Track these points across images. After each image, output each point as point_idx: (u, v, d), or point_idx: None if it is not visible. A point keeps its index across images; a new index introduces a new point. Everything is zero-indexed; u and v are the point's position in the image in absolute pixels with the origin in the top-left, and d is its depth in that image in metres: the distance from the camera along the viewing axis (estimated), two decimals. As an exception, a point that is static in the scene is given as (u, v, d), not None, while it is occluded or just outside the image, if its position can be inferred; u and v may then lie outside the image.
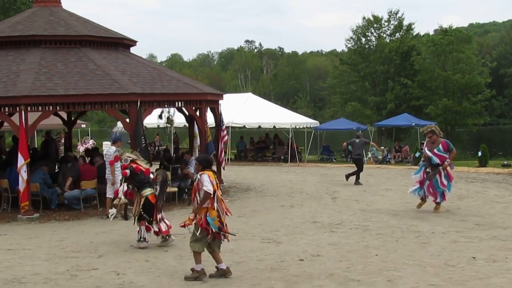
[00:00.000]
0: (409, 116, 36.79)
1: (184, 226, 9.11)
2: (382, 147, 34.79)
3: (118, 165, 13.77)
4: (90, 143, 32.78)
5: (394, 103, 48.69)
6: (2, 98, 15.22)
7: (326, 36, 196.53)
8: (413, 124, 34.90)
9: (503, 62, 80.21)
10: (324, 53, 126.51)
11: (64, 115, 22.52)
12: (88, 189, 16.28)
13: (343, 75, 53.53)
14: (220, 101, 19.96)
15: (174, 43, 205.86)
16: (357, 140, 21.84)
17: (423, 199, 15.04)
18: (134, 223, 11.45)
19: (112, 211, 11.86)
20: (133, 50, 20.42)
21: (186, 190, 17.54)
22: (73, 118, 23.43)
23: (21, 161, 14.75)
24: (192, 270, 8.97)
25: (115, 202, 12.01)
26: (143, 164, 11.64)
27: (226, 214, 9.02)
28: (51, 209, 15.98)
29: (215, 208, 8.80)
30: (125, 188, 11.52)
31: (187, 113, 19.66)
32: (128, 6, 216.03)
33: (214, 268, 9.02)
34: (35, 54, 17.03)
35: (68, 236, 12.76)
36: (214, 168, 19.79)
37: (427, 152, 14.78)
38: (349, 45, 54.34)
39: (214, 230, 8.73)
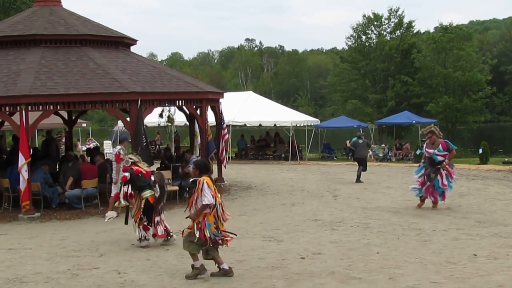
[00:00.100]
0: (409, 113, 36.80)
1: (183, 234, 9.11)
2: (383, 145, 34.80)
3: (120, 165, 13.76)
4: (93, 144, 32.89)
5: (395, 100, 48.69)
6: (2, 97, 15.22)
7: (327, 34, 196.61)
8: (414, 121, 34.91)
9: (504, 59, 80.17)
10: (324, 51, 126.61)
11: (64, 114, 22.52)
12: (89, 188, 16.28)
13: (343, 73, 53.52)
14: (221, 100, 19.97)
15: (175, 41, 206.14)
16: (360, 141, 21.86)
17: (422, 200, 15.06)
18: (131, 223, 11.42)
19: (111, 214, 11.78)
20: (133, 49, 20.45)
21: (187, 188, 17.54)
22: (73, 117, 23.43)
23: (22, 160, 14.75)
24: (192, 267, 8.99)
25: (116, 204, 12.01)
26: (144, 167, 11.62)
27: (223, 220, 8.96)
28: (52, 209, 15.98)
29: (212, 214, 8.81)
30: (128, 190, 11.45)
31: (187, 111, 19.65)
32: (128, 5, 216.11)
33: (216, 267, 9.02)
34: (35, 54, 17.03)
35: (69, 235, 12.76)
36: (215, 167, 20.06)
37: (427, 152, 14.83)
38: (349, 43, 54.44)
39: (209, 236, 8.72)
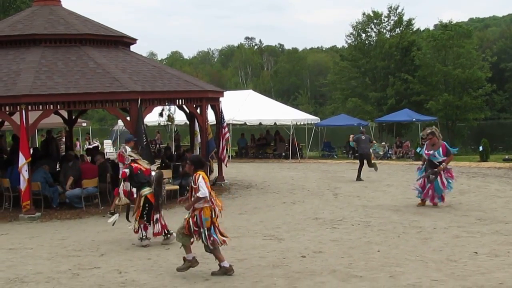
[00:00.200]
0: (410, 111, 36.80)
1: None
2: (383, 143, 34.80)
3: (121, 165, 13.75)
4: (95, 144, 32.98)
5: (395, 98, 48.65)
6: (2, 97, 15.22)
7: (326, 32, 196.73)
8: (414, 119, 34.92)
9: (504, 57, 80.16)
10: (324, 49, 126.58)
11: (64, 113, 22.52)
12: (89, 187, 16.27)
13: (343, 71, 53.48)
14: (221, 99, 19.96)
15: (174, 40, 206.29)
16: (363, 137, 21.89)
17: (424, 201, 15.06)
18: (131, 221, 11.44)
19: (113, 218, 11.74)
20: (133, 48, 20.46)
21: (188, 188, 17.51)
22: (73, 117, 23.44)
23: (22, 160, 14.75)
24: (184, 259, 9.01)
25: (116, 202, 11.99)
26: (144, 164, 11.64)
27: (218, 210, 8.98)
28: (53, 208, 15.98)
29: (209, 208, 8.82)
30: (126, 187, 11.50)
31: (187, 110, 19.65)
32: (128, 4, 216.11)
33: (217, 266, 9.01)
34: (35, 53, 17.03)
35: (70, 235, 12.77)
36: (215, 166, 20.06)
37: (426, 154, 14.88)
38: (349, 41, 54.33)
39: (204, 233, 8.74)
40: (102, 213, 15.34)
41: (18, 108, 15.09)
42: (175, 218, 13.20)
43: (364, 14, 53.03)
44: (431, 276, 8.57)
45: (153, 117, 22.21)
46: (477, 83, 46.19)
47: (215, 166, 20.31)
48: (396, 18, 52.10)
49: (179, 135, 34.13)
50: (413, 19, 52.34)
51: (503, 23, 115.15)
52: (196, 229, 8.81)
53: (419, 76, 47.18)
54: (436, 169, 14.66)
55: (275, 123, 33.22)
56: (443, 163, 14.71)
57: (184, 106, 19.14)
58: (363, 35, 53.23)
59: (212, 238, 8.81)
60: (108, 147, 34.68)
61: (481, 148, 28.10)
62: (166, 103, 18.61)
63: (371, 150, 30.46)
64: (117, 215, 11.71)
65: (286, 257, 9.97)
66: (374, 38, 52.70)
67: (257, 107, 32.28)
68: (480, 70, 46.31)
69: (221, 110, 19.74)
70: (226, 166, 20.53)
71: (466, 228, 12.11)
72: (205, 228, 8.78)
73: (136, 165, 11.43)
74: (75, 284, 8.79)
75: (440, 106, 44.49)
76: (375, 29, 53.04)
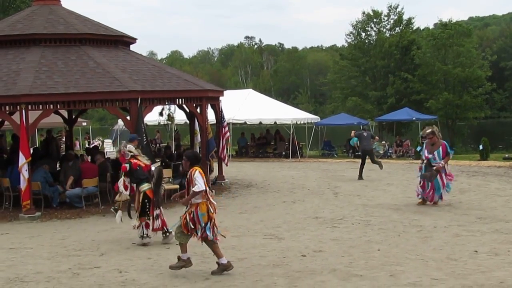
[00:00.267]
0: (410, 110, 36.80)
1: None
2: (383, 142, 34.80)
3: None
4: (96, 142, 32.98)
5: (395, 97, 48.66)
6: (2, 97, 15.21)
7: (326, 31, 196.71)
8: (414, 118, 34.91)
9: (503, 55, 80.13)
10: (324, 48, 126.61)
11: (64, 113, 22.51)
12: (89, 187, 16.28)
13: (343, 70, 53.48)
14: (221, 98, 19.95)
15: (174, 40, 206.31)
16: (364, 133, 21.93)
17: (424, 200, 15.07)
18: (133, 218, 11.45)
19: (119, 215, 11.71)
20: (133, 47, 20.45)
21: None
22: (73, 116, 23.43)
23: (22, 160, 14.75)
24: (178, 258, 9.01)
25: (116, 198, 11.98)
26: (143, 160, 11.64)
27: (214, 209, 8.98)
28: (53, 208, 15.98)
29: (205, 203, 8.83)
30: (127, 182, 11.45)
31: (187, 110, 19.65)
32: (127, 4, 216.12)
33: (215, 263, 9.02)
34: (35, 53, 17.02)
35: (70, 235, 12.76)
36: (215, 165, 20.05)
37: (427, 154, 14.90)
38: (349, 40, 54.35)
39: (200, 229, 8.73)
40: (102, 212, 15.36)
41: (18, 108, 15.08)
42: (175, 217, 13.16)
43: (364, 13, 53.16)
44: (431, 275, 8.57)
45: (153, 117, 22.22)
46: (477, 82, 46.18)
47: (215, 166, 20.32)
48: (396, 17, 52.15)
49: (179, 134, 34.13)
50: (413, 18, 52.53)
51: (503, 22, 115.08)
52: (193, 226, 8.79)
53: (419, 75, 47.17)
54: (434, 168, 14.68)
55: (275, 122, 33.20)
56: (441, 162, 14.74)
57: (184, 106, 19.14)
58: (363, 34, 53.26)
59: (204, 234, 8.79)
60: (108, 147, 34.68)
61: (481, 147, 28.11)
62: (166, 103, 18.60)
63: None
64: (119, 212, 11.69)
65: (286, 256, 9.97)
66: (374, 37, 52.72)
67: (257, 106, 32.28)
68: (480, 69, 46.29)
69: (221, 109, 19.74)
70: (227, 165, 20.54)
71: (466, 227, 12.12)
72: (202, 224, 8.76)
73: (135, 161, 11.42)
74: (75, 284, 8.79)
75: (440, 105, 44.48)
76: (375, 28, 53.10)
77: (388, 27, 52.66)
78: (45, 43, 17.52)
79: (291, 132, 31.28)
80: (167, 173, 16.96)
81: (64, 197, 16.36)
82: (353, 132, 22.93)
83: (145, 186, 11.28)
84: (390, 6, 52.21)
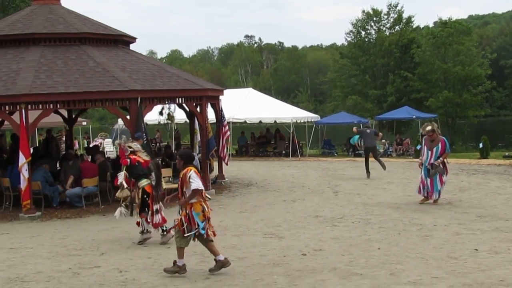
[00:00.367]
0: (409, 109, 36.78)
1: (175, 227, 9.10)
2: (383, 140, 34.79)
3: None
4: (99, 140, 32.94)
5: (395, 96, 48.66)
6: (2, 96, 15.20)
7: (326, 30, 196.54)
8: (414, 116, 34.90)
9: (503, 54, 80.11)
10: (324, 47, 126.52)
11: (64, 112, 22.50)
12: (89, 186, 16.28)
13: (343, 68, 53.49)
14: (221, 97, 19.94)
15: (174, 39, 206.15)
16: (368, 130, 21.89)
17: (426, 197, 15.06)
18: (134, 215, 11.46)
19: (118, 211, 11.70)
20: (132, 46, 20.44)
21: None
22: (73, 116, 23.42)
23: (22, 159, 14.74)
24: (174, 263, 8.97)
25: (117, 194, 11.97)
26: (143, 156, 11.62)
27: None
28: (53, 207, 15.98)
29: (199, 203, 8.79)
30: (128, 176, 11.40)
31: (187, 109, 19.64)
32: (127, 3, 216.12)
33: (213, 260, 9.00)
34: (34, 52, 17.01)
35: (70, 234, 12.76)
36: (216, 164, 20.04)
37: (426, 151, 14.92)
38: (349, 39, 54.38)
39: (196, 227, 8.69)
40: (103, 212, 15.36)
41: (18, 108, 15.07)
42: (175, 216, 13.16)
43: (363, 11, 53.22)
44: (432, 273, 8.57)
45: (153, 116, 22.20)
46: (476, 80, 46.13)
47: (215, 165, 20.32)
48: (395, 16, 52.13)
49: (179, 133, 34.10)
50: (413, 16, 52.50)
51: (503, 20, 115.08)
52: (189, 226, 8.73)
53: (419, 73, 47.15)
54: (434, 163, 14.69)
55: (275, 121, 33.18)
56: (441, 158, 14.75)
57: (184, 105, 19.14)
58: (363, 32, 53.27)
59: (198, 233, 8.76)
60: (108, 146, 34.67)
61: (481, 145, 28.09)
62: (166, 102, 18.60)
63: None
64: (120, 208, 11.66)
65: (286, 255, 9.97)
66: (374, 36, 52.73)
67: (257, 105, 32.26)
68: (479, 67, 46.24)
69: (221, 108, 19.72)
70: (227, 165, 20.53)
71: (467, 225, 12.12)
72: (199, 223, 8.73)
73: (134, 156, 11.40)
74: (75, 283, 8.79)
75: (440, 103, 44.45)
76: (374, 27, 53.11)
77: (388, 25, 52.68)
78: (45, 42, 17.52)
79: (291, 131, 31.27)
80: (167, 172, 16.96)
81: (64, 197, 16.36)
82: (355, 128, 22.86)
83: (144, 182, 11.27)
84: (390, 5, 52.24)
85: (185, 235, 8.75)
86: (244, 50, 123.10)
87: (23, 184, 14.83)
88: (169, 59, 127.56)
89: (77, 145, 34.31)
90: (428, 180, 14.78)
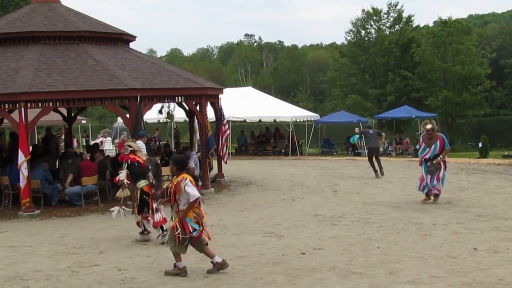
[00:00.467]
0: (409, 108, 36.78)
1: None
2: (383, 140, 34.78)
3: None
4: (101, 138, 32.92)
5: (394, 95, 48.67)
6: (1, 95, 15.16)
7: (326, 29, 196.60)
8: (414, 116, 34.90)
9: (503, 53, 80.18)
10: (324, 46, 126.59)
11: (64, 111, 22.50)
12: (89, 185, 16.27)
13: (343, 68, 53.51)
14: (220, 96, 19.93)
15: (174, 37, 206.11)
16: (370, 131, 21.84)
17: (428, 195, 15.05)
18: (135, 216, 11.46)
19: (117, 209, 11.68)
20: (132, 45, 20.40)
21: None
22: (73, 114, 23.40)
23: (21, 158, 14.72)
24: (174, 266, 8.93)
25: (117, 194, 11.96)
26: (142, 156, 11.59)
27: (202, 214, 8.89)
28: (52, 206, 15.97)
29: (192, 210, 8.70)
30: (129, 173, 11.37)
31: (187, 107, 19.63)
32: (127, 1, 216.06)
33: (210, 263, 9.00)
34: (34, 51, 16.99)
35: (69, 233, 12.76)
36: (215, 163, 20.04)
37: (424, 147, 14.93)
38: (348, 38, 54.46)
39: (191, 232, 8.64)
40: (102, 210, 15.35)
41: (17, 106, 15.05)
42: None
43: (363, 10, 53.31)
44: (431, 272, 8.57)
45: (152, 114, 22.17)
46: (476, 79, 46.12)
47: (214, 163, 20.31)
48: (395, 15, 52.17)
49: (178, 132, 34.09)
50: (413, 15, 52.56)
51: (503, 20, 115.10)
52: (184, 233, 8.64)
53: (418, 72, 47.16)
54: (434, 161, 14.70)
55: (274, 120, 33.18)
56: (440, 156, 14.76)
57: (184, 103, 19.12)
58: (363, 31, 53.32)
59: (194, 239, 8.71)
60: (108, 145, 34.66)
61: (480, 145, 28.09)
62: (166, 100, 18.59)
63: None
64: (117, 208, 11.63)
65: (285, 254, 9.97)
66: (374, 35, 52.77)
67: (257, 104, 32.25)
68: (479, 67, 46.22)
69: (221, 107, 19.71)
70: (226, 163, 20.53)
71: (466, 225, 12.12)
72: (195, 227, 8.67)
73: (133, 156, 11.38)
74: (74, 282, 8.79)
75: (440, 102, 44.46)
76: (374, 26, 53.14)
77: (387, 24, 52.71)
78: (44, 40, 17.49)
79: (291, 129, 31.28)
80: (167, 171, 16.92)
81: (63, 195, 16.36)
82: (357, 129, 22.81)
83: (142, 183, 11.25)
84: (390, 4, 52.29)
85: (181, 241, 8.67)
86: (244, 49, 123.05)
87: (22, 183, 14.81)
88: (169, 57, 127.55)
89: (76, 144, 34.31)
90: (429, 176, 14.78)
